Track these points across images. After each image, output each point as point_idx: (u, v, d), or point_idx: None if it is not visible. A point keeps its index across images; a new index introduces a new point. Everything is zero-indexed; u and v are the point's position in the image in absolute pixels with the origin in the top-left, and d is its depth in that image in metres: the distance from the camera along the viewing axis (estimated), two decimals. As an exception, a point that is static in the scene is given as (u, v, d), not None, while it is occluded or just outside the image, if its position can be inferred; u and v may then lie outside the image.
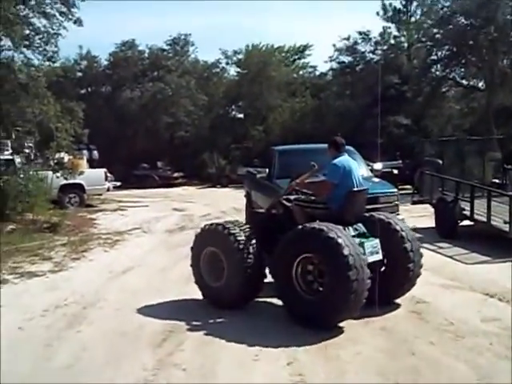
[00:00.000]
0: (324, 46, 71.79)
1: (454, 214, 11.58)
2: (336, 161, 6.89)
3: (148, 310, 7.00)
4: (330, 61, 34.64)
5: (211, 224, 7.25)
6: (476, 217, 11.11)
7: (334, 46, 33.44)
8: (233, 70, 39.73)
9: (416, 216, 14.12)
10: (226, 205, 19.39)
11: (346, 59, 33.81)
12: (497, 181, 14.97)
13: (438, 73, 27.97)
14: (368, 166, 12.46)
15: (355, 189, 6.87)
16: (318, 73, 39.39)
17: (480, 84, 28.08)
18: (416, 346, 5.65)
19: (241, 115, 39.45)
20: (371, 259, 6.31)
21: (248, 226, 7.12)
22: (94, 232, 13.92)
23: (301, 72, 40.97)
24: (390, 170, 21.27)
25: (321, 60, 59.71)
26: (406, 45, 32.98)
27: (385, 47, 33.07)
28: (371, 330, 6.18)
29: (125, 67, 36.71)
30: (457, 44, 25.33)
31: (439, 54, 27.31)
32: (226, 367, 5.25)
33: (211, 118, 36.54)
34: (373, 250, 6.42)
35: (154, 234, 13.75)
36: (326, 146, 7.24)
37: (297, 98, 35.68)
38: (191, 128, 36.07)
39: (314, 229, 6.13)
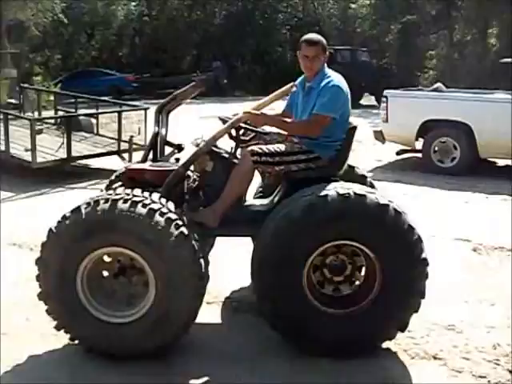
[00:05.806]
0: None
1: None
2: (338, 81, 3.93)
3: None
4: None
5: (96, 201, 3.44)
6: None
7: None
8: None
9: None
10: None
11: None
12: (13, 101, 13.76)
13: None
14: None
15: (354, 124, 4.11)
16: None
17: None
18: None
19: None
20: None
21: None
22: None
23: None
24: None
25: None
26: None
27: None
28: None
29: None
30: None
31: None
32: None
33: None
34: None
35: None
36: None
37: None
38: None
39: (346, 196, 3.49)
